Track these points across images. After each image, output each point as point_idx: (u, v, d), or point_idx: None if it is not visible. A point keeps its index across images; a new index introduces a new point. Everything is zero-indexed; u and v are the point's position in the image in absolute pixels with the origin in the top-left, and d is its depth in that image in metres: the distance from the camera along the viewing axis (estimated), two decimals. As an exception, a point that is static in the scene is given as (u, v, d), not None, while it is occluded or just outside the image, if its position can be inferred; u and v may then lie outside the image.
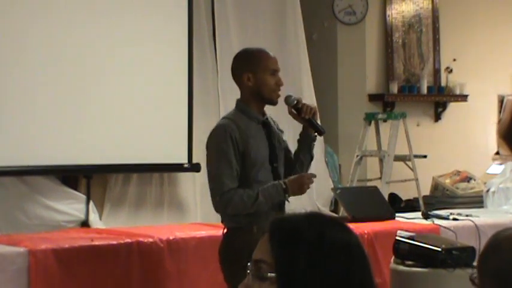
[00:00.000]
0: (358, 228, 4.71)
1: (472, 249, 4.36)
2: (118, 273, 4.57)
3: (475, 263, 4.20)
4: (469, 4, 8.83)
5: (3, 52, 5.80)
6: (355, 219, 5.18)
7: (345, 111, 8.17)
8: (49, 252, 4.38)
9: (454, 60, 8.70)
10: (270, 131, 4.11)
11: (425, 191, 8.12)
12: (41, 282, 4.31)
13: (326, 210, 7.25)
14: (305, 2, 7.73)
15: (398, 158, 7.68)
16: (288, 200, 4.03)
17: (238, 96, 7.18)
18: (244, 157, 3.99)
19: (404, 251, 4.36)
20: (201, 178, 6.78)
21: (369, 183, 7.54)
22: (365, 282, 1.74)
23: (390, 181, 7.56)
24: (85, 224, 6.11)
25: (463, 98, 8.69)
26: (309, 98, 7.52)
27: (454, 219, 5.59)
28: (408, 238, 4.37)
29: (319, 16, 8.24)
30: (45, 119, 5.91)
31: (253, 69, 4.06)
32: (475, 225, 5.43)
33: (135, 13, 6.34)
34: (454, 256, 4.24)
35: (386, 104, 8.31)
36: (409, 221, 5.57)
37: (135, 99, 6.31)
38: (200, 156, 6.70)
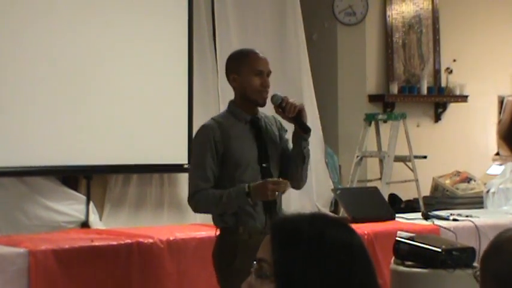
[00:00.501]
0: (358, 228, 4.69)
1: (472, 250, 4.36)
2: (118, 273, 4.57)
3: (475, 264, 4.21)
4: (469, 5, 8.83)
5: (3, 52, 5.80)
6: (355, 220, 5.18)
7: (345, 111, 8.17)
8: (49, 253, 4.38)
9: (454, 60, 8.70)
10: (259, 130, 4.09)
11: (426, 191, 8.13)
12: (41, 282, 4.31)
13: (326, 211, 7.25)
14: (305, 2, 7.73)
15: (398, 159, 7.68)
16: (250, 204, 3.94)
17: (238, 97, 7.21)
18: (225, 158, 3.99)
19: (404, 252, 4.36)
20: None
21: (369, 184, 7.54)
22: (367, 283, 1.74)
23: (390, 182, 7.56)
24: (85, 224, 6.11)
25: (463, 98, 8.70)
26: (309, 99, 7.53)
27: (454, 219, 5.59)
28: (408, 239, 4.37)
29: (319, 16, 8.24)
30: (45, 119, 5.91)
31: (238, 70, 4.05)
32: (475, 225, 5.43)
33: (135, 13, 6.34)
34: (454, 257, 4.23)
35: (386, 104, 8.32)
36: (409, 222, 5.57)
37: (135, 99, 6.31)
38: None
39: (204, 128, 4.07)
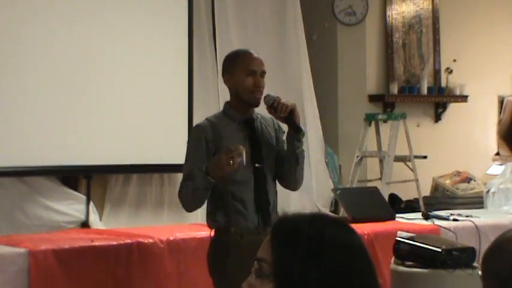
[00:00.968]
0: (358, 228, 4.68)
1: (472, 250, 4.35)
2: (118, 273, 4.57)
3: (475, 264, 4.21)
4: (469, 5, 8.83)
5: (3, 52, 5.80)
6: (355, 220, 5.18)
7: (345, 111, 8.17)
8: (49, 253, 4.37)
9: (454, 60, 8.70)
10: (253, 131, 4.08)
11: (426, 191, 8.13)
12: (41, 282, 4.31)
13: (326, 211, 7.25)
14: (305, 2, 7.73)
15: (398, 159, 7.68)
16: (213, 180, 3.89)
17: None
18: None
19: (405, 252, 4.36)
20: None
21: (369, 184, 7.54)
22: (367, 283, 1.74)
23: (390, 182, 7.55)
24: (85, 224, 6.11)
25: (463, 98, 8.70)
26: (309, 99, 7.53)
27: (454, 219, 5.58)
28: (408, 239, 4.37)
29: (319, 16, 8.24)
30: (45, 119, 5.91)
31: (231, 70, 4.06)
32: (475, 225, 5.43)
33: (135, 13, 6.34)
34: (454, 257, 4.23)
35: (386, 104, 8.32)
36: (409, 222, 5.57)
37: (135, 99, 6.31)
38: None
39: (196, 127, 4.11)
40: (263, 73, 4.06)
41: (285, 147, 4.14)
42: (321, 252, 1.71)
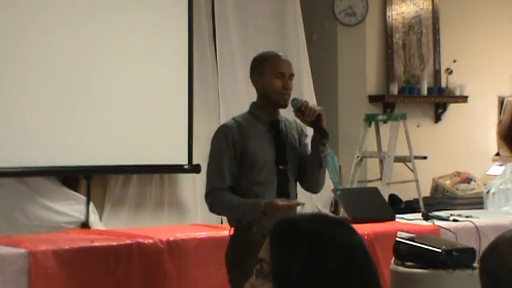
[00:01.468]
0: (358, 229, 4.66)
1: (472, 251, 4.35)
2: (118, 274, 4.56)
3: (475, 264, 4.21)
4: (469, 5, 8.83)
5: (3, 53, 5.80)
6: (355, 220, 5.17)
7: (345, 112, 8.17)
8: (49, 253, 4.37)
9: (454, 61, 8.70)
10: (278, 133, 4.13)
11: (426, 192, 8.12)
12: (41, 283, 4.31)
13: (326, 211, 7.25)
14: (305, 3, 7.73)
15: (398, 159, 7.67)
16: (263, 219, 3.94)
17: (238, 97, 7.26)
18: (242, 157, 4.04)
19: (405, 252, 4.36)
20: (201, 179, 6.78)
21: (369, 184, 7.54)
22: (367, 283, 1.74)
23: (390, 182, 7.55)
24: (85, 225, 6.11)
25: (463, 99, 8.70)
26: (309, 99, 7.52)
27: (454, 220, 5.58)
28: (408, 239, 4.36)
29: (319, 17, 8.24)
30: (45, 120, 5.91)
31: (260, 72, 4.12)
32: (475, 226, 5.43)
33: (135, 13, 6.34)
34: (454, 257, 4.23)
35: (386, 105, 8.31)
36: (409, 222, 5.57)
37: (135, 99, 6.31)
38: (200, 157, 6.71)
39: (222, 127, 4.16)
40: (291, 75, 4.15)
41: (307, 150, 4.20)
42: (320, 252, 1.72)
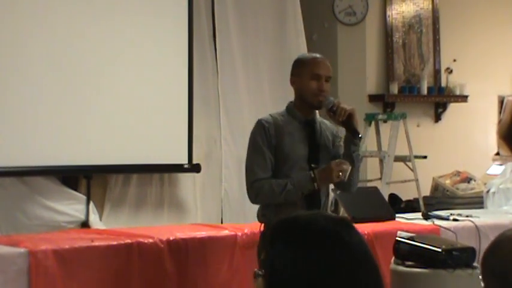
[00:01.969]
0: (358, 228, 4.69)
1: (472, 250, 4.35)
2: (118, 273, 4.57)
3: (475, 264, 4.21)
4: (469, 5, 8.83)
5: (3, 53, 5.80)
6: (355, 220, 5.17)
7: (345, 111, 8.15)
8: (49, 253, 4.37)
9: (454, 60, 8.70)
10: (313, 132, 4.23)
11: (426, 191, 8.12)
12: (41, 282, 4.31)
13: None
14: (305, 2, 7.73)
15: (398, 159, 7.68)
16: (317, 188, 4.10)
17: (238, 96, 7.27)
18: (277, 152, 4.17)
19: (405, 252, 4.36)
20: (201, 178, 6.78)
21: (369, 184, 7.53)
22: (368, 282, 1.73)
23: (390, 182, 7.56)
24: (85, 224, 6.10)
25: (463, 98, 8.70)
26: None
27: (454, 219, 5.59)
28: (408, 239, 4.37)
29: (320, 16, 8.24)
30: (45, 119, 5.90)
31: (297, 74, 4.26)
32: (475, 225, 5.43)
33: (134, 13, 6.34)
34: (454, 257, 4.23)
35: (386, 104, 8.32)
36: (409, 222, 5.57)
37: (135, 99, 6.31)
38: (200, 156, 6.72)
39: (260, 121, 4.26)
40: (328, 78, 4.24)
41: (340, 152, 4.28)
42: (320, 251, 1.71)
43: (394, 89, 8.27)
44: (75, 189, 6.28)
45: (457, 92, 8.67)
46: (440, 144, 8.53)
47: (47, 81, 5.92)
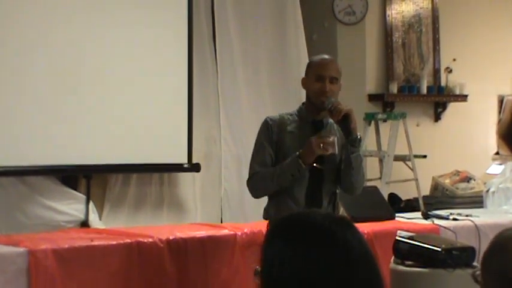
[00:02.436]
0: (358, 228, 4.70)
1: (472, 249, 4.36)
2: (118, 273, 4.57)
3: (475, 263, 4.21)
4: (469, 4, 8.82)
5: (3, 52, 5.80)
6: (354, 220, 5.10)
7: (345, 111, 8.15)
8: (49, 252, 4.38)
9: (454, 60, 8.70)
10: (318, 132, 4.24)
11: (425, 191, 8.12)
12: (41, 282, 4.31)
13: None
14: (305, 2, 7.73)
15: (398, 158, 7.67)
16: (304, 166, 4.11)
17: (238, 96, 7.27)
18: (277, 147, 4.24)
19: (404, 251, 4.36)
20: (200, 178, 6.78)
21: (369, 183, 7.52)
22: (368, 281, 1.73)
23: (390, 181, 7.55)
24: (85, 224, 6.11)
25: (463, 98, 8.69)
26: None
27: (454, 219, 5.59)
28: (408, 238, 4.37)
29: (319, 16, 8.23)
30: (45, 119, 5.90)
31: (306, 75, 4.36)
32: (475, 225, 5.43)
33: (134, 13, 6.34)
34: (454, 256, 4.23)
35: (386, 104, 8.31)
36: (408, 221, 5.58)
37: (135, 99, 6.31)
38: (200, 156, 6.72)
39: (266, 118, 4.37)
40: (332, 79, 4.31)
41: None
42: (320, 249, 1.71)
43: (394, 88, 8.27)
44: (75, 189, 6.28)
45: (457, 92, 8.67)
46: (440, 143, 8.53)
47: (47, 81, 5.92)
